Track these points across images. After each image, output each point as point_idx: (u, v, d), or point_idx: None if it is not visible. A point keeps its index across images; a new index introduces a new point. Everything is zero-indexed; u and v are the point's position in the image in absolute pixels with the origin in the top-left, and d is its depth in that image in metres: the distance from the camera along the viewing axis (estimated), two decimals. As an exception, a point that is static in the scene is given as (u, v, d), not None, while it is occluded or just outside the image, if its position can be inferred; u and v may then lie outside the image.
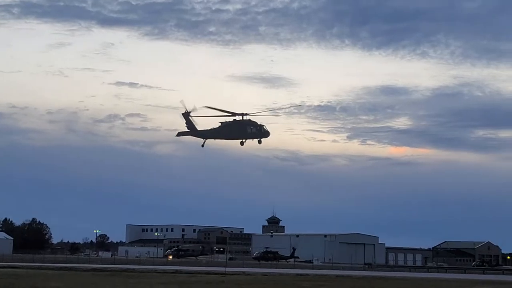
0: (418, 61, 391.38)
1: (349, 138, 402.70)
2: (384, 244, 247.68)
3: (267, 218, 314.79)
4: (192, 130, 79.33)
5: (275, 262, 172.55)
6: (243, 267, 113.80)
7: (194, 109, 78.36)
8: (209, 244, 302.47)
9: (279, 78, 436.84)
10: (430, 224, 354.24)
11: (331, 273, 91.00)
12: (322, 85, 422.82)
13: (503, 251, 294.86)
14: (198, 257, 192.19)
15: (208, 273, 77.23)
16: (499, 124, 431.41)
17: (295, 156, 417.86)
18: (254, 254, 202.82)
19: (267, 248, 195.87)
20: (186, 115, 78.37)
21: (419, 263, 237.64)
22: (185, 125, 79.07)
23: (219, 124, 79.90)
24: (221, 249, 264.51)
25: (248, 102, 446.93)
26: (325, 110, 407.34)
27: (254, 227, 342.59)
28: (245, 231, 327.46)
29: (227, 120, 79.60)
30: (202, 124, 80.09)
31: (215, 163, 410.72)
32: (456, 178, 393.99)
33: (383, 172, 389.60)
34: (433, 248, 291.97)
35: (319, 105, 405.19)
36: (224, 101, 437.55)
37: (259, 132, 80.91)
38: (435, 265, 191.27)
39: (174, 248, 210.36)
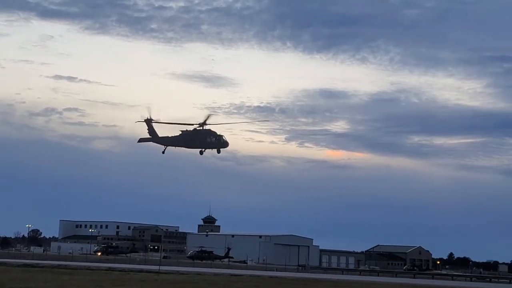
0: (358, 66, 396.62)
1: (287, 140, 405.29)
2: (318, 246, 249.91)
3: (203, 218, 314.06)
4: (153, 136, 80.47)
5: (209, 261, 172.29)
6: (177, 266, 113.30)
7: (156, 118, 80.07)
8: (144, 242, 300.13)
9: (219, 77, 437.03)
10: (363, 228, 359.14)
11: (265, 274, 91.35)
12: (262, 86, 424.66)
13: (433, 256, 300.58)
14: (128, 255, 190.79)
15: (142, 271, 76.59)
16: (434, 131, 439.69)
17: (233, 156, 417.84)
18: (189, 253, 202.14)
19: (202, 247, 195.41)
20: (149, 121, 79.61)
21: (352, 266, 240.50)
22: (147, 131, 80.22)
23: (180, 132, 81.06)
24: (156, 247, 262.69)
25: (188, 101, 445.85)
26: (264, 111, 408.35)
27: (189, 226, 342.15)
28: (181, 230, 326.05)
29: (188, 129, 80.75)
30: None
31: (152, 161, 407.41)
32: (391, 183, 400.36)
33: (319, 174, 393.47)
34: (366, 251, 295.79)
35: (258, 106, 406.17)
36: (164, 98, 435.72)
37: (218, 142, 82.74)
38: (367, 268, 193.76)
39: (103, 245, 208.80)
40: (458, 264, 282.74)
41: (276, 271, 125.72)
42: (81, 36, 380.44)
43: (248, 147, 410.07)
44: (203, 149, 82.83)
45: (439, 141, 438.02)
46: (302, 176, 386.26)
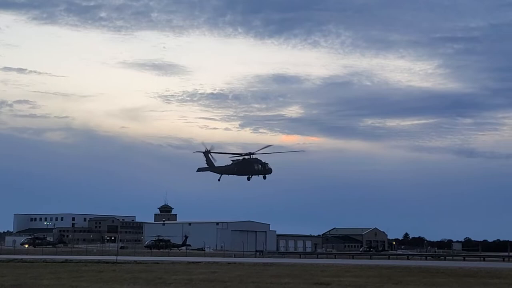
0: (310, 50, 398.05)
1: (242, 126, 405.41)
2: (276, 231, 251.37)
3: (159, 207, 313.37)
4: (210, 166, 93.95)
5: (167, 250, 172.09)
6: (135, 256, 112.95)
7: (212, 148, 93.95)
8: (100, 233, 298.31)
9: (171, 65, 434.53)
10: (320, 211, 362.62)
11: (223, 260, 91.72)
12: (215, 73, 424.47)
13: (389, 237, 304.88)
14: (56, 246, 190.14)
15: (99, 262, 76.29)
16: (386, 113, 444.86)
17: (189, 144, 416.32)
18: (146, 243, 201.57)
19: (159, 236, 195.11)
20: (207, 153, 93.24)
21: (309, 250, 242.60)
22: (205, 162, 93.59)
23: (231, 161, 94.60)
24: (113, 238, 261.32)
25: (141, 89, 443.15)
26: (218, 98, 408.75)
27: (146, 216, 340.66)
28: (137, 220, 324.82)
29: (238, 159, 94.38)
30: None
31: (107, 151, 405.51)
32: (346, 166, 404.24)
33: (275, 160, 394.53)
34: (322, 234, 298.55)
35: (211, 93, 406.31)
36: (116, 88, 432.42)
37: (264, 169, 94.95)
38: (324, 251, 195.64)
39: (30, 237, 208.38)
40: (413, 244, 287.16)
41: (234, 257, 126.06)
42: (29, 26, 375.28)
43: (203, 134, 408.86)
44: (250, 176, 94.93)
45: (392, 123, 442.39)
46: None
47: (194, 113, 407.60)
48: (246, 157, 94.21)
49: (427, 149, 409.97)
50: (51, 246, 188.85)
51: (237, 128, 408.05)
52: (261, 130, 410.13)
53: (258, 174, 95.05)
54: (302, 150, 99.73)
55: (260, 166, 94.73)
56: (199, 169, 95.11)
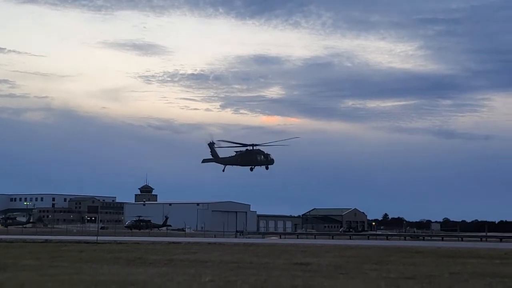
0: (291, 31, 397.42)
1: (222, 107, 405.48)
2: (256, 212, 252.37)
3: (139, 187, 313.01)
4: (215, 157, 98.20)
5: (147, 230, 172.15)
6: (115, 236, 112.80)
7: (216, 141, 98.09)
8: (81, 213, 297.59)
9: (152, 45, 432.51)
10: (300, 192, 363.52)
11: (203, 240, 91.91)
12: (196, 53, 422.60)
13: (368, 217, 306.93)
14: (25, 226, 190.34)
15: (79, 242, 76.10)
16: (367, 94, 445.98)
17: (169, 125, 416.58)
18: (127, 223, 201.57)
19: (139, 216, 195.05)
20: (211, 144, 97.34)
21: (289, 230, 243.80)
22: (210, 153, 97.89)
23: (235, 153, 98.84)
24: (93, 218, 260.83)
25: (121, 70, 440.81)
26: (198, 79, 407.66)
27: (126, 196, 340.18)
28: (118, 200, 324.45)
29: (241, 150, 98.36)
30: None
31: (87, 131, 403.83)
32: (327, 147, 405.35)
33: (255, 140, 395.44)
34: (302, 215, 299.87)
35: (192, 74, 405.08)
36: (96, 68, 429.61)
37: (267, 160, 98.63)
38: (304, 232, 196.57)
39: (1, 217, 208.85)
40: (392, 225, 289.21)
41: (215, 237, 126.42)
42: (7, 5, 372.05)
43: (183, 115, 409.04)
44: (253, 166, 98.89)
45: (373, 104, 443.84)
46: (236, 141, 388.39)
47: (174, 93, 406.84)
48: (249, 148, 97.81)
49: (407, 130, 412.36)
50: (21, 226, 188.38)
51: (217, 109, 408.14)
52: (241, 111, 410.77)
53: (260, 165, 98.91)
54: (297, 137, 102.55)
55: (262, 157, 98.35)
56: (204, 160, 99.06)
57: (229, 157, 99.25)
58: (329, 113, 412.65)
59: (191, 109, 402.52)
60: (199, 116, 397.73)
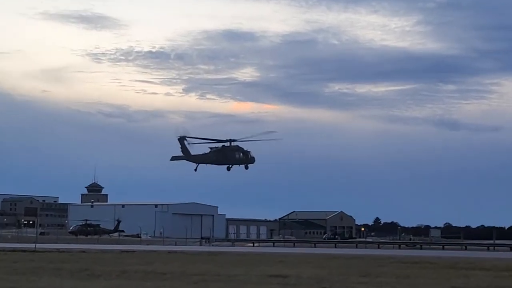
0: (267, 2, 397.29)
1: (186, 91, 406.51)
2: (225, 215, 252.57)
3: (86, 185, 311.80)
4: (186, 154, 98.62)
5: (96, 236, 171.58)
6: (57, 243, 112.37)
7: (186, 134, 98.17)
8: (16, 216, 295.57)
9: (102, 17, 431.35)
10: (277, 192, 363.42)
11: (162, 248, 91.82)
12: (155, 27, 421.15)
13: (357, 222, 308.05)
14: None
15: (14, 250, 75.70)
16: (357, 77, 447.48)
17: (123, 112, 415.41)
18: (71, 228, 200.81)
19: (86, 220, 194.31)
20: (182, 139, 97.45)
21: (264, 236, 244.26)
22: (180, 149, 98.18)
23: (209, 149, 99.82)
24: (31, 222, 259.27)
25: (65, 46, 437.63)
26: (157, 58, 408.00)
27: (71, 196, 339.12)
28: (60, 201, 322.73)
29: (216, 146, 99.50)
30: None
31: (24, 119, 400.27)
32: (308, 139, 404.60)
33: (225, 131, 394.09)
34: (280, 219, 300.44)
35: (150, 52, 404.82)
36: (36, 43, 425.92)
37: (246, 158, 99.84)
38: (281, 238, 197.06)
39: None
40: (385, 231, 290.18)
41: (176, 244, 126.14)
42: None
43: (140, 100, 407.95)
44: (230, 165, 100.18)
45: (363, 89, 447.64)
46: (205, 133, 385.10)
47: (129, 75, 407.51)
48: (226, 144, 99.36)
49: (403, 120, 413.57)
50: None
51: (180, 93, 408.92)
52: (208, 96, 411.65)
53: (239, 164, 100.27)
54: (278, 137, 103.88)
55: (241, 154, 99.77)
56: (173, 158, 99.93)
57: (203, 154, 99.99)
58: (311, 99, 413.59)
59: (149, 93, 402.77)
60: (158, 101, 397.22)
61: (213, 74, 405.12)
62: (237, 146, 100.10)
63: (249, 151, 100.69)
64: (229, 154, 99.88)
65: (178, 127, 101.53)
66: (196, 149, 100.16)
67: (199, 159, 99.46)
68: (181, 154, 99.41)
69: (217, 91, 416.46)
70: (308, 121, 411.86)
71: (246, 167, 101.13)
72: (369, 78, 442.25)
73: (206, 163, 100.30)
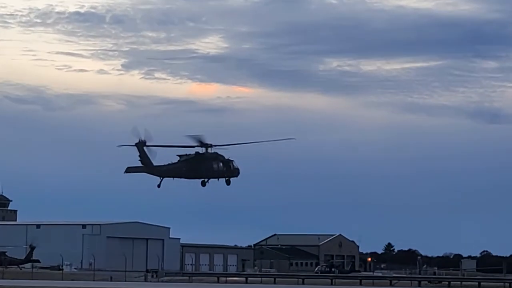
0: None
1: (126, 67, 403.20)
2: (179, 239, 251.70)
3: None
4: (146, 165, 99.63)
5: (1, 268, 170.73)
6: None
7: (148, 139, 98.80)
8: None
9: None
10: (252, 209, 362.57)
11: (93, 286, 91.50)
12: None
13: (361, 250, 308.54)
14: None
15: None
16: (362, 50, 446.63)
17: (39, 96, 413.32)
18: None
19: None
20: (141, 145, 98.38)
21: (233, 269, 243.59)
22: (139, 158, 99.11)
23: (178, 158, 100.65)
24: None
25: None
26: (87, 21, 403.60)
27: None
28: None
29: (187, 154, 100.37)
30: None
31: None
32: (295, 134, 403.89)
33: (179, 123, 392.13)
34: (256, 245, 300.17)
35: (77, 13, 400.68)
36: None
37: (228, 169, 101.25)
38: (257, 272, 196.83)
39: None
40: (400, 261, 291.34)
41: (111, 280, 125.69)
42: None
43: (62, 80, 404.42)
44: (206, 179, 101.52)
45: (371, 66, 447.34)
46: (152, 126, 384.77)
47: (48, 45, 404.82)
48: (200, 151, 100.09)
49: (425, 109, 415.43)
50: None
51: (118, 70, 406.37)
52: (158, 75, 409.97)
53: (218, 177, 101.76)
54: (292, 138, 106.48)
55: (221, 164, 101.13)
56: (129, 170, 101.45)
57: (169, 164, 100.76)
58: (300, 80, 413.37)
59: (76, 70, 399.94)
60: (88, 82, 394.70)
61: (165, 44, 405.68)
62: (216, 153, 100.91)
63: (232, 160, 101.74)
64: (204, 164, 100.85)
65: (135, 128, 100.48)
66: (161, 158, 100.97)
67: (164, 171, 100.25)
68: (139, 164, 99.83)
69: (170, 68, 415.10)
70: (296, 110, 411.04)
71: (228, 182, 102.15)
72: (379, 52, 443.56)
73: (174, 177, 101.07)
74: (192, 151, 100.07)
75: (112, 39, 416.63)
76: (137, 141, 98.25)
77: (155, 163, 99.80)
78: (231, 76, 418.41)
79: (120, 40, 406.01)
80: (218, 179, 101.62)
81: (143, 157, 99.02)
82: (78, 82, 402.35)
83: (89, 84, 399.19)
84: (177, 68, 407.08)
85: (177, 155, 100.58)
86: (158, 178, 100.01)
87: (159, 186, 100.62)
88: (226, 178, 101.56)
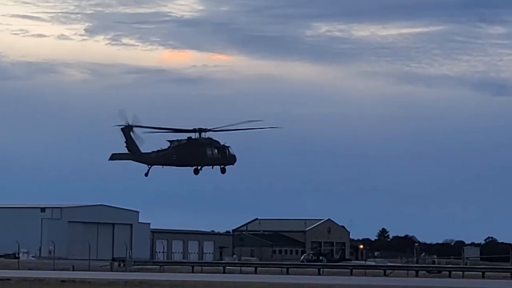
0: None
1: (90, 32, 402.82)
2: (149, 224, 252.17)
3: None
4: (133, 152, 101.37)
5: None
6: None
7: (136, 122, 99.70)
8: None
9: None
10: (231, 191, 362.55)
11: (52, 275, 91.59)
12: None
13: (352, 236, 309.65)
14: None
15: None
16: (353, 13, 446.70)
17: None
18: None
19: None
20: (128, 129, 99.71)
21: (209, 257, 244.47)
22: (125, 144, 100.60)
23: (168, 144, 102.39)
24: None
25: None
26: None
27: None
28: None
29: (179, 139, 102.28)
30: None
31: None
32: (279, 107, 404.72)
33: (151, 94, 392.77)
34: (234, 231, 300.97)
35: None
36: None
37: (223, 156, 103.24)
38: (236, 260, 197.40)
39: None
40: (395, 249, 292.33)
41: (74, 269, 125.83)
42: None
43: (18, 46, 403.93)
44: (200, 167, 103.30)
45: (364, 31, 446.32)
46: (119, 98, 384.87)
47: (2, 7, 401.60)
48: (192, 136, 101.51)
49: (424, 79, 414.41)
50: None
51: (81, 36, 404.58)
52: (125, 41, 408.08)
53: (212, 165, 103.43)
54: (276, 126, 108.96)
55: (216, 151, 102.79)
56: (114, 157, 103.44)
57: (158, 151, 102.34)
58: (285, 47, 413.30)
59: (33, 35, 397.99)
60: (48, 48, 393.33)
61: (133, 7, 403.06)
62: (210, 138, 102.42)
63: (228, 146, 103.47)
64: (197, 151, 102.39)
65: (122, 111, 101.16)
66: (149, 144, 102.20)
67: (152, 159, 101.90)
68: (125, 151, 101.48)
69: (139, 34, 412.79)
70: (280, 81, 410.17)
71: (223, 170, 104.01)
72: (373, 15, 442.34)
73: (164, 165, 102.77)
74: (184, 136, 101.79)
75: (74, 0, 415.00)
76: (124, 126, 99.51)
77: (143, 151, 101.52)
78: (208, 42, 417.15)
79: (83, 2, 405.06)
80: (213, 167, 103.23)
81: (130, 143, 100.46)
82: (36, 49, 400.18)
83: (49, 51, 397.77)
84: (147, 33, 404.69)
85: (167, 141, 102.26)
86: (146, 166, 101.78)
87: (146, 175, 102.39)
88: (221, 166, 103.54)
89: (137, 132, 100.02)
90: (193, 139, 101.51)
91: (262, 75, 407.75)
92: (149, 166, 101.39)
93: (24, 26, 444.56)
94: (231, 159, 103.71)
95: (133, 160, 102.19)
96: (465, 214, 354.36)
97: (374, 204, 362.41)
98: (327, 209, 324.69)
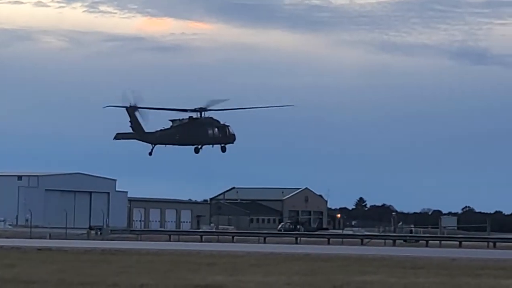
0: None
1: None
2: (127, 192, 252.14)
3: None
4: (137, 131, 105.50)
5: None
6: None
7: (138, 102, 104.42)
8: None
9: None
10: (207, 159, 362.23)
11: (30, 244, 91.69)
12: None
13: (330, 205, 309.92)
14: None
15: None
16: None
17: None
18: None
19: None
20: (133, 109, 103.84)
21: (187, 226, 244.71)
22: (129, 123, 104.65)
23: (170, 123, 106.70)
24: None
25: None
26: None
27: None
28: None
29: (181, 119, 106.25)
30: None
31: None
32: (257, 76, 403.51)
33: (128, 63, 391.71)
34: (211, 199, 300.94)
35: None
36: None
37: (224, 135, 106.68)
38: (214, 229, 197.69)
39: None
40: (373, 218, 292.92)
41: (50, 238, 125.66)
42: None
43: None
44: (200, 146, 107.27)
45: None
46: (96, 67, 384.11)
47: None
48: (194, 115, 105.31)
49: (403, 48, 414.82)
50: None
51: (59, 3, 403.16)
52: (103, 8, 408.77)
53: (212, 143, 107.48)
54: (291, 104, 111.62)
55: (216, 130, 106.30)
56: (119, 136, 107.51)
57: (161, 130, 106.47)
58: (264, 15, 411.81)
59: (9, 2, 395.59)
60: (24, 15, 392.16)
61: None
62: (211, 118, 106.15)
63: (228, 125, 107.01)
64: (199, 130, 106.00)
65: (126, 91, 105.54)
66: (153, 123, 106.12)
67: (156, 138, 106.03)
68: (130, 130, 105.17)
69: (117, 1, 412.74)
70: (259, 49, 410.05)
71: (223, 149, 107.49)
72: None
73: (167, 144, 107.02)
74: (185, 116, 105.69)
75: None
76: (128, 106, 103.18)
77: (147, 130, 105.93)
78: (186, 10, 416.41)
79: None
80: (213, 146, 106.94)
81: (134, 122, 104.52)
82: (12, 16, 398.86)
83: (25, 18, 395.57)
84: (125, 0, 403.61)
85: (169, 120, 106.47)
86: (149, 144, 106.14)
87: (150, 154, 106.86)
88: (222, 145, 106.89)
89: (141, 112, 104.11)
90: (195, 118, 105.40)
91: (240, 43, 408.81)
92: (153, 145, 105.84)
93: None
94: (231, 138, 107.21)
95: (137, 140, 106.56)
96: (443, 184, 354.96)
97: (352, 173, 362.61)
98: (304, 178, 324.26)
